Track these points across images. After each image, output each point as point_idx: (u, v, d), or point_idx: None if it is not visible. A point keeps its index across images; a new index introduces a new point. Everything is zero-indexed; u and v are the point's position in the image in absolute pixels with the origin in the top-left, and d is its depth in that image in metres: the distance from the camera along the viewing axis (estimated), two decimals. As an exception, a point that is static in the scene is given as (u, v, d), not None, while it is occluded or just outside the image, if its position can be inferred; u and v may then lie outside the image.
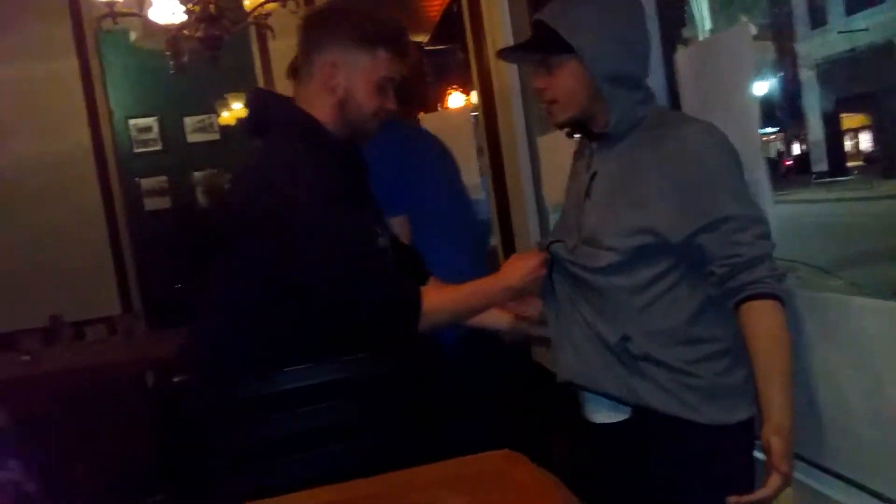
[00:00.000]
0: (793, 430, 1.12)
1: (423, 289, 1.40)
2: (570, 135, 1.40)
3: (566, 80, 1.29)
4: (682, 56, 1.62)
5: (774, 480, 1.09)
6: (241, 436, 1.17)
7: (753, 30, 1.34)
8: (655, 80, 1.71)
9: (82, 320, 3.27)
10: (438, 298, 1.40)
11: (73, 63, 3.73)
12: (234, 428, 1.19)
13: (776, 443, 1.09)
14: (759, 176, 1.36)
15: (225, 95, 5.29)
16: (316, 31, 1.45)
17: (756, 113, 1.39)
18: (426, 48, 6.04)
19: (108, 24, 2.23)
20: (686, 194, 1.22)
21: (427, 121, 3.18)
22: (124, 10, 2.30)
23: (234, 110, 5.34)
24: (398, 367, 1.33)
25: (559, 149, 2.46)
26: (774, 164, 27.23)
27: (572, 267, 1.33)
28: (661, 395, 1.25)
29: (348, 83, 1.42)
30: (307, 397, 1.16)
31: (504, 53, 1.47)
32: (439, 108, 4.43)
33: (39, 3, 3.60)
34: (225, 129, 5.59)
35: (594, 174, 1.33)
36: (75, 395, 2.29)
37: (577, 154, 1.46)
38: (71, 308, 3.22)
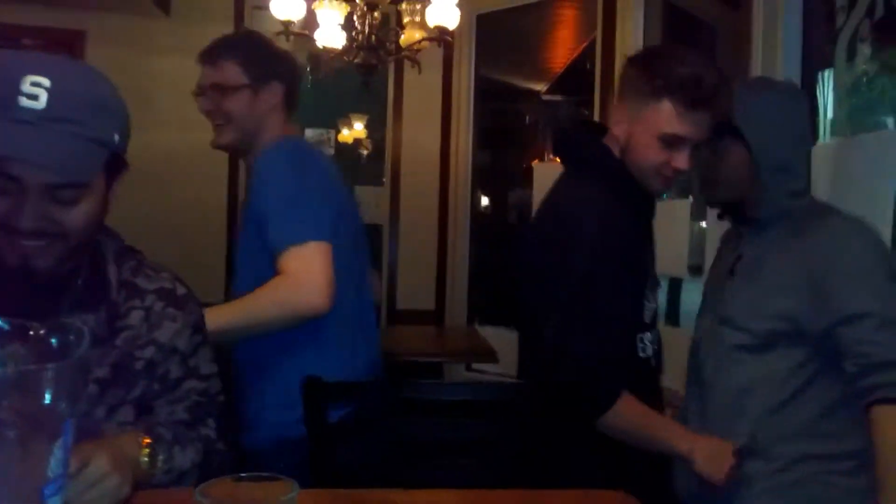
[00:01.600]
0: None
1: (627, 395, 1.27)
2: (720, 216, 1.44)
3: (732, 164, 1.32)
4: (819, 151, 1.67)
5: None
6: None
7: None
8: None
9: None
10: (631, 410, 1.28)
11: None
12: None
13: None
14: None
15: (348, 114, 5.54)
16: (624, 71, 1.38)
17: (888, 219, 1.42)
18: (543, 98, 6.20)
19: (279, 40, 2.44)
20: (827, 284, 1.22)
21: (540, 169, 3.30)
22: (297, 31, 2.52)
23: (355, 130, 5.59)
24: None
25: (675, 217, 2.52)
26: None
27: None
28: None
29: (630, 131, 1.31)
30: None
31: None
32: (546, 158, 4.54)
33: (210, 7, 3.93)
34: (341, 147, 5.85)
35: (739, 256, 1.36)
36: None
37: (726, 238, 1.49)
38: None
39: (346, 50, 2.56)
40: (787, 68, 1.79)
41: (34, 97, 0.81)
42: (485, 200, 4.75)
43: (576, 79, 4.72)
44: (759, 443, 1.26)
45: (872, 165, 1.45)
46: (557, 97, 6.69)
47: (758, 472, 1.26)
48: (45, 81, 0.82)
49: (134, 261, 1.04)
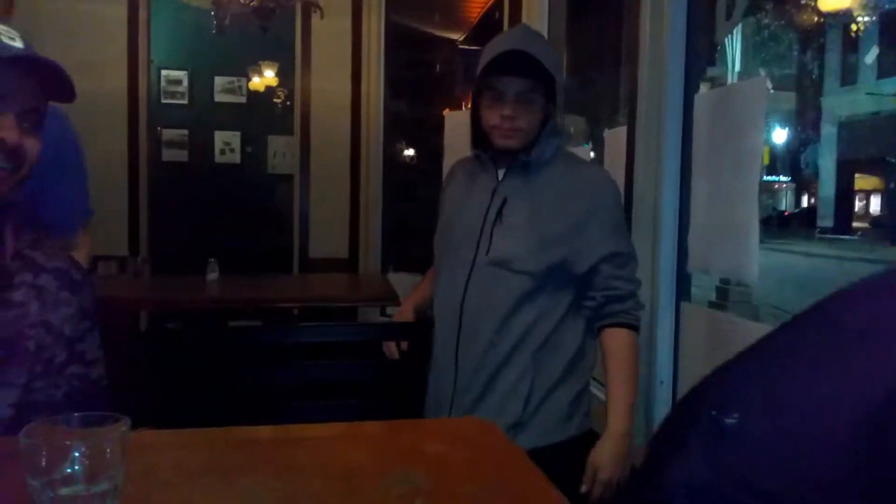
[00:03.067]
0: (627, 436, 1.39)
1: None
2: (477, 156, 1.55)
3: (538, 114, 1.47)
4: (700, 98, 1.73)
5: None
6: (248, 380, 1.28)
7: (769, 84, 1.45)
8: (672, 116, 1.83)
9: (96, 255, 3.39)
10: None
11: (122, 9, 3.84)
12: (248, 372, 1.30)
13: (606, 447, 1.38)
14: (751, 226, 1.48)
15: (259, 62, 5.38)
16: None
17: (758, 165, 1.50)
18: (460, 47, 6.15)
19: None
20: (589, 230, 1.45)
21: (451, 118, 3.30)
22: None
23: (266, 77, 5.43)
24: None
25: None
26: (780, 214, 27.32)
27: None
28: None
29: None
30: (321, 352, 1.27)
31: (501, 69, 1.45)
32: (464, 107, 4.54)
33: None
34: (253, 94, 5.68)
35: (505, 200, 1.48)
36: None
37: (469, 172, 1.60)
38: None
39: (241, -8, 2.47)
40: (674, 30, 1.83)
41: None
42: (398, 149, 4.73)
43: (492, 28, 4.71)
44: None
45: (744, 112, 1.52)
46: (475, 46, 6.65)
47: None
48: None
49: (35, 234, 1.01)
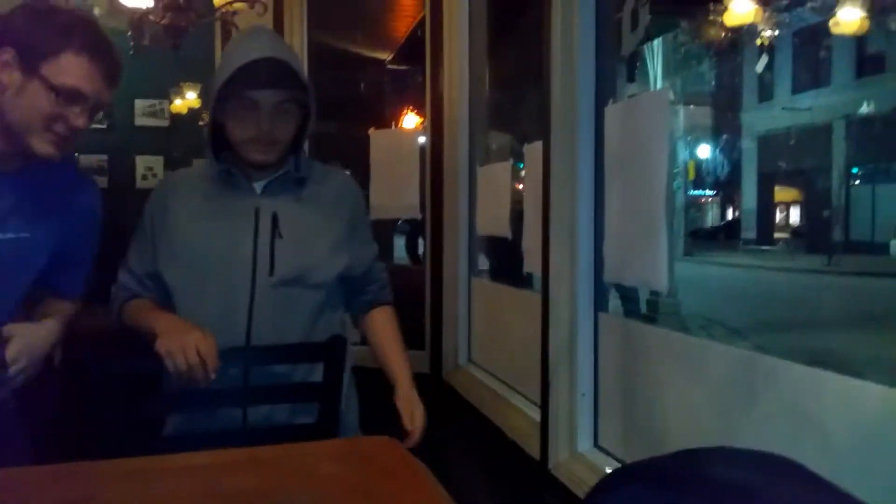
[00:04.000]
0: (414, 386, 1.56)
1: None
2: (226, 174, 1.47)
3: (293, 125, 1.45)
4: (609, 111, 1.76)
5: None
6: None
7: (672, 95, 1.49)
8: (584, 131, 1.86)
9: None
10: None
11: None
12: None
13: (407, 390, 1.53)
14: (660, 234, 1.50)
15: (181, 84, 5.26)
16: None
17: (664, 174, 1.53)
18: (388, 66, 6.15)
19: (74, -2, 2.24)
20: (359, 236, 1.58)
21: (377, 137, 3.28)
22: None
23: (188, 99, 5.31)
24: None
25: (497, 180, 2.59)
26: (706, 228, 28.30)
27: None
28: None
29: None
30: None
31: (254, 79, 1.38)
32: (393, 127, 4.53)
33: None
34: (176, 117, 5.55)
35: (275, 215, 1.45)
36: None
37: (202, 192, 1.49)
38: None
39: (152, 10, 2.40)
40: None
41: None
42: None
43: (418, 47, 4.73)
44: None
45: (648, 123, 1.55)
46: (403, 66, 6.66)
47: None
48: None
49: None
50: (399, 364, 1.60)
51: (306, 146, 1.60)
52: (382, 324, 1.65)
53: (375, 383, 1.59)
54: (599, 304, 1.79)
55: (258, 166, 1.44)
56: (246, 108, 1.37)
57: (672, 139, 1.59)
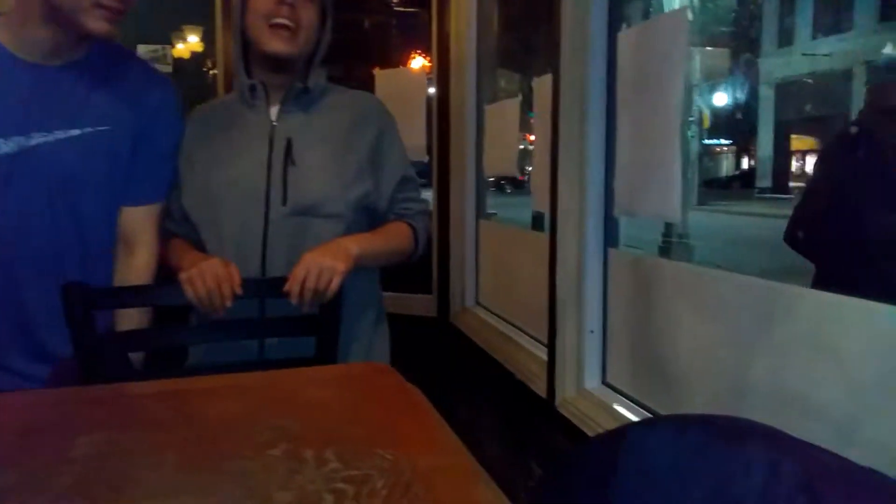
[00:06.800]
0: (347, 250, 1.30)
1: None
2: (250, 92, 1.42)
3: (315, 16, 1.40)
4: (622, 37, 1.68)
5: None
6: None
7: (690, 15, 1.41)
8: (596, 60, 1.77)
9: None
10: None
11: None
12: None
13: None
14: (673, 162, 1.43)
15: (182, 27, 5.15)
16: None
17: (679, 99, 1.45)
18: (394, 7, 6.00)
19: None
20: (384, 155, 1.44)
21: (382, 77, 3.19)
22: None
23: (190, 43, 5.21)
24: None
25: (505, 118, 2.51)
26: (721, 177, 27.97)
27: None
28: None
29: None
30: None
31: None
32: (400, 67, 4.41)
33: None
34: (178, 62, 5.45)
35: (289, 141, 1.36)
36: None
37: (218, 124, 1.44)
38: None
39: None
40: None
41: None
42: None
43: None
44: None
45: (664, 46, 1.47)
46: (410, 8, 6.51)
47: None
48: None
49: None
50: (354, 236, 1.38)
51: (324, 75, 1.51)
52: (382, 226, 1.48)
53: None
54: (609, 239, 1.73)
55: (281, 62, 1.37)
56: None
57: (687, 81, 1.51)
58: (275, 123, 1.39)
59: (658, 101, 1.48)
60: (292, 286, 1.20)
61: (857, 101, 20.34)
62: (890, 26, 19.09)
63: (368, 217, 1.45)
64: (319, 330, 1.20)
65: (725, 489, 0.46)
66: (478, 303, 2.70)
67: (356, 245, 1.31)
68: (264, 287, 1.26)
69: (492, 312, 2.54)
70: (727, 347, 1.26)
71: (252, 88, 1.40)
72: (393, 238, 1.45)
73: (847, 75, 20.80)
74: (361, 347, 1.46)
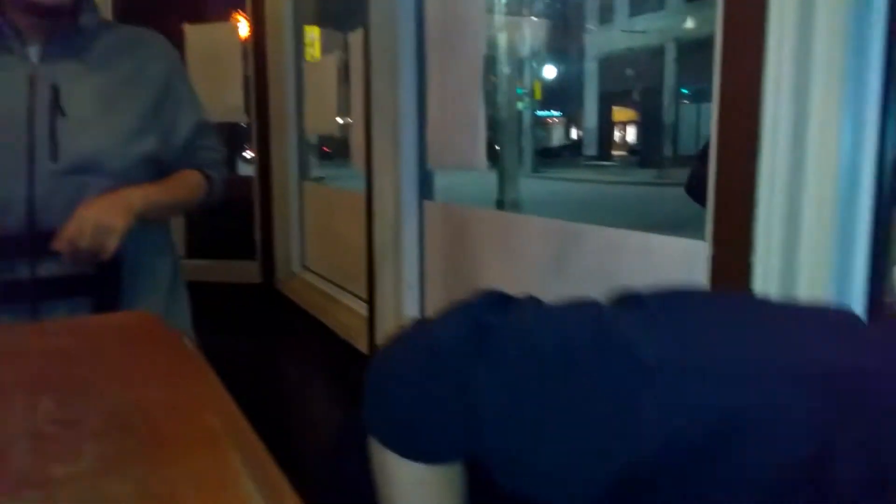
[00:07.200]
0: (128, 202, 1.13)
1: None
2: None
3: None
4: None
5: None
6: None
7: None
8: (406, 12, 1.76)
9: None
10: None
11: None
12: None
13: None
14: (477, 112, 1.45)
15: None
16: None
17: (480, 54, 1.46)
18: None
19: None
20: (173, 100, 1.31)
21: (193, 32, 2.99)
22: None
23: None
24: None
25: (324, 75, 2.45)
26: (551, 147, 29.39)
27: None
28: None
29: None
30: None
31: None
32: (213, 23, 4.16)
33: None
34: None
35: (55, 88, 1.20)
36: None
37: None
38: None
39: None
40: None
41: None
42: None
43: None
44: None
45: (466, 5, 1.49)
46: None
47: None
48: None
49: None
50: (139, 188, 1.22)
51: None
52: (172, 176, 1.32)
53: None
54: (424, 192, 1.75)
55: (36, 9, 1.16)
56: None
57: (516, 52, 1.53)
58: (35, 66, 1.19)
59: (461, 55, 1.50)
60: (61, 245, 1.05)
61: (669, 75, 22.09)
62: (694, 6, 20.80)
63: (158, 172, 1.29)
64: (95, 291, 1.09)
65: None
66: (305, 267, 2.65)
67: (140, 198, 1.16)
68: (28, 244, 1.12)
69: (319, 276, 2.50)
70: (529, 283, 1.32)
71: None
72: (182, 189, 1.31)
73: (660, 51, 22.49)
74: (153, 310, 1.33)
